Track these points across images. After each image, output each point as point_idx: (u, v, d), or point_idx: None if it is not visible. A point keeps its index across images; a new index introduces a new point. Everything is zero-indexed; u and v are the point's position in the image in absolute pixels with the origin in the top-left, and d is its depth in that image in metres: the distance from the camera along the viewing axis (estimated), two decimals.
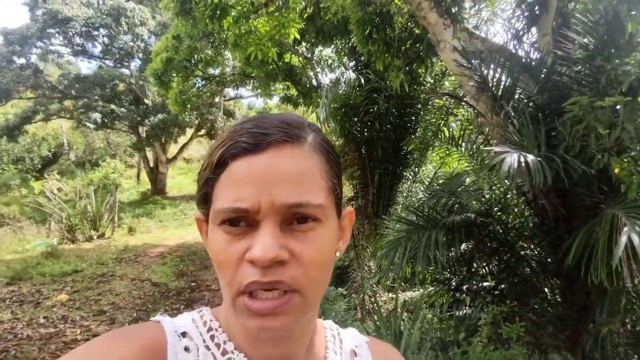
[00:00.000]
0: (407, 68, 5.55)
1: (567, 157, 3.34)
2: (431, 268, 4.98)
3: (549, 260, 4.31)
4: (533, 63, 4.34)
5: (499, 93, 4.08)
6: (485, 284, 4.89)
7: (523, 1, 4.69)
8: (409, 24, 5.35)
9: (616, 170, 3.21)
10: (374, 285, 6.51)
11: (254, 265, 0.53)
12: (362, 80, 6.98)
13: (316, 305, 0.62)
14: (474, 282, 4.91)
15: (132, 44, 19.83)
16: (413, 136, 7.21)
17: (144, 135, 20.47)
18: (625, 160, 3.20)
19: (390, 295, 6.65)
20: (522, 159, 3.25)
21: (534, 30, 4.85)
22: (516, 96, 4.23)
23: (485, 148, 4.79)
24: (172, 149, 23.19)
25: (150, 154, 22.30)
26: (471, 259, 4.78)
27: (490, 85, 4.11)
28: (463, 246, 4.70)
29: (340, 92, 6.90)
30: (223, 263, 0.56)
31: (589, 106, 3.31)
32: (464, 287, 4.96)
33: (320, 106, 6.70)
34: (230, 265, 0.55)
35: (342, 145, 7.26)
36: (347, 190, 7.78)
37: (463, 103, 5.67)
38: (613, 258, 2.75)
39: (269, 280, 0.53)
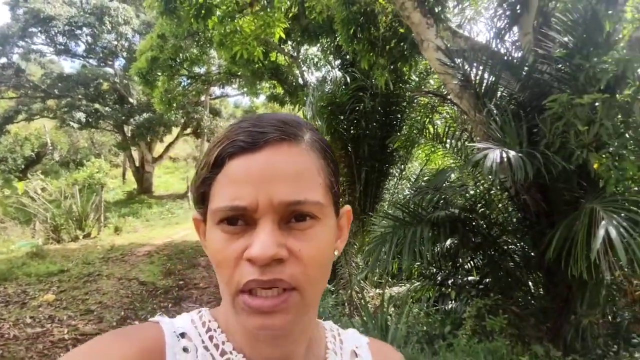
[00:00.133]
0: (392, 67, 5.62)
1: (548, 153, 3.43)
2: (417, 263, 5.06)
3: (532, 254, 4.40)
4: (515, 61, 4.43)
5: (482, 91, 4.16)
6: (470, 278, 4.98)
7: (504, 0, 4.77)
8: (393, 23, 5.41)
9: (595, 166, 3.30)
10: (362, 281, 6.58)
11: (253, 264, 0.53)
12: (348, 79, 7.04)
13: (315, 304, 0.62)
14: (459, 277, 5.00)
15: (116, 42, 19.65)
16: (399, 134, 7.27)
17: (129, 135, 20.30)
18: (604, 155, 3.29)
19: (378, 290, 6.72)
20: (504, 155, 3.33)
21: (516, 29, 4.95)
22: (498, 94, 4.32)
23: (470, 144, 4.87)
24: (158, 148, 23.05)
25: (135, 153, 22.12)
26: (456, 254, 4.87)
27: (473, 83, 4.18)
28: (448, 242, 4.78)
29: (327, 90, 6.95)
30: (221, 262, 0.56)
31: (568, 103, 3.39)
32: (450, 282, 5.04)
33: (307, 105, 6.75)
34: (229, 264, 0.55)
35: (329, 143, 7.31)
36: None
37: (447, 101, 5.75)
38: (591, 251, 2.84)
39: (268, 278, 0.52)
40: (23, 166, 22.10)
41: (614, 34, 3.70)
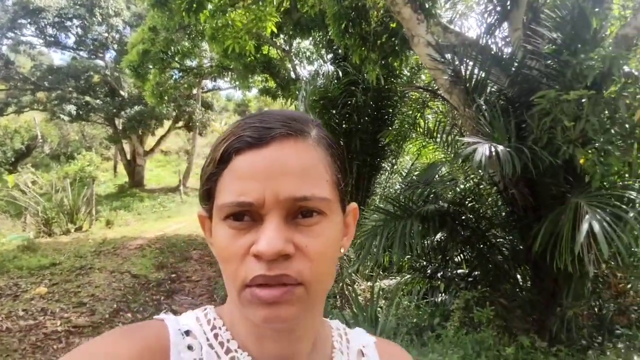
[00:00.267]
0: (383, 62, 5.65)
1: (536, 148, 3.48)
2: (408, 256, 5.13)
3: (519, 247, 4.48)
4: (505, 57, 4.48)
5: (472, 86, 4.20)
6: (459, 271, 5.06)
7: None
8: (385, 18, 5.44)
9: (581, 161, 3.37)
10: (353, 274, 6.64)
11: (260, 259, 0.52)
12: (340, 73, 7.07)
13: (320, 301, 0.62)
14: (449, 270, 5.07)
15: (106, 35, 19.51)
16: (390, 128, 7.33)
17: (121, 128, 20.19)
18: (590, 151, 3.36)
19: (369, 283, 6.79)
20: (493, 150, 3.38)
21: (506, 24, 5.00)
22: (488, 89, 4.36)
23: (459, 139, 4.93)
24: (150, 141, 22.93)
25: (127, 146, 22.02)
26: (446, 247, 4.94)
27: (463, 79, 4.23)
28: (438, 235, 4.85)
29: (319, 84, 6.98)
30: (228, 258, 0.55)
31: (555, 99, 3.45)
32: (439, 275, 5.11)
33: (299, 99, 6.78)
34: (236, 259, 0.54)
35: None
36: None
37: (438, 96, 5.80)
38: (575, 244, 2.91)
39: (275, 274, 0.52)
40: (13, 159, 21.93)
41: (601, 31, 3.75)
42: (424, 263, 5.30)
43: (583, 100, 3.41)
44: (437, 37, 4.57)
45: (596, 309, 4.38)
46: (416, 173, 6.90)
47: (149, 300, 6.59)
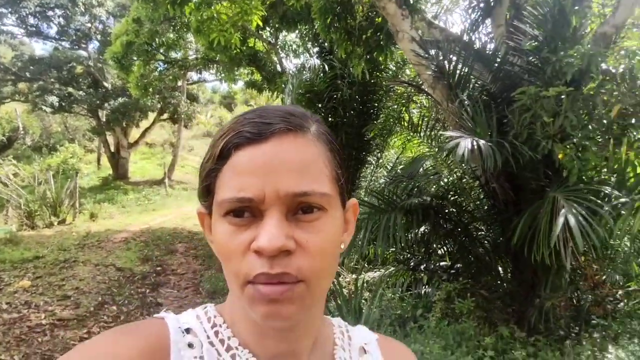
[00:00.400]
0: (368, 56, 5.69)
1: (516, 143, 3.57)
2: (392, 249, 5.20)
3: (500, 240, 4.57)
4: (488, 53, 4.55)
5: (455, 82, 4.27)
6: (442, 263, 5.15)
7: None
8: (370, 13, 5.48)
9: (559, 156, 3.46)
10: (338, 266, 6.70)
11: (260, 255, 0.52)
12: (326, 67, 7.09)
13: (321, 299, 0.62)
14: (432, 262, 5.16)
15: (89, 25, 19.23)
16: (375, 122, 7.38)
17: (104, 119, 19.94)
18: (568, 146, 3.44)
19: (353, 276, 6.86)
20: (475, 144, 3.45)
21: (489, 21, 5.06)
22: (471, 85, 4.43)
23: (443, 133, 5.00)
24: (134, 133, 22.71)
25: (110, 138, 21.76)
26: (429, 240, 5.02)
27: (447, 74, 4.29)
28: (422, 228, 4.93)
29: (305, 78, 6.99)
30: (229, 255, 0.55)
31: (536, 95, 3.53)
32: (422, 267, 5.20)
33: (286, 92, 6.79)
34: (236, 256, 0.54)
35: None
36: None
37: (422, 91, 5.86)
38: (552, 237, 2.99)
39: (276, 272, 0.52)
40: None
41: (580, 29, 3.84)
42: (408, 256, 5.39)
43: (562, 96, 3.49)
44: (421, 33, 4.62)
45: (574, 300, 4.50)
46: (401, 167, 6.96)
47: (134, 293, 6.59)
